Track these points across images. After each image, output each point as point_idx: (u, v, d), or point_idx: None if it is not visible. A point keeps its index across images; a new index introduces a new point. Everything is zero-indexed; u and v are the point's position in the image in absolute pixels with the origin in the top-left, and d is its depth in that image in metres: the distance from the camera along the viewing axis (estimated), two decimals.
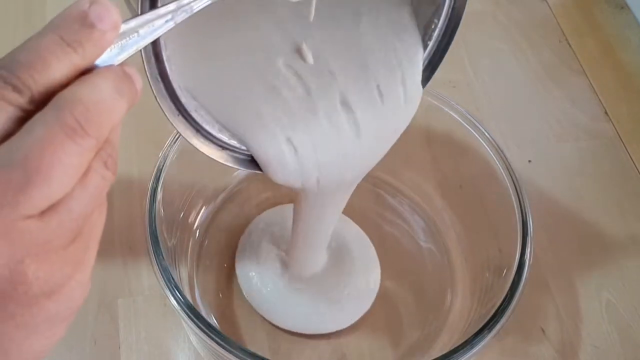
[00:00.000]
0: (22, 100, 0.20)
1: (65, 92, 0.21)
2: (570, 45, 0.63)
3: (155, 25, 0.24)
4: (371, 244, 0.50)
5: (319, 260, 0.47)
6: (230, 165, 0.32)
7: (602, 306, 0.47)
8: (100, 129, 0.21)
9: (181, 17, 0.25)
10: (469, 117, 0.45)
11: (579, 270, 0.49)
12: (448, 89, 0.58)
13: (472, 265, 0.47)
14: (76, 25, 0.22)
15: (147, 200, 0.40)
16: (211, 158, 0.31)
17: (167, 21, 0.25)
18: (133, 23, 0.24)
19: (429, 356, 0.42)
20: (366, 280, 0.48)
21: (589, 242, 0.51)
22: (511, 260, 0.40)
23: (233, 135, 0.32)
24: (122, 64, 0.23)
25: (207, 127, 0.31)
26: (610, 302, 0.48)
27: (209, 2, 0.25)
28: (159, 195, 0.40)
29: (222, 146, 0.32)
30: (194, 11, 0.25)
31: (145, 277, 0.46)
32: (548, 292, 0.48)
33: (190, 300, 0.37)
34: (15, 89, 0.20)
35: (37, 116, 0.20)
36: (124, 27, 0.23)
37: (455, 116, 0.46)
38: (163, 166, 0.41)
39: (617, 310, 0.47)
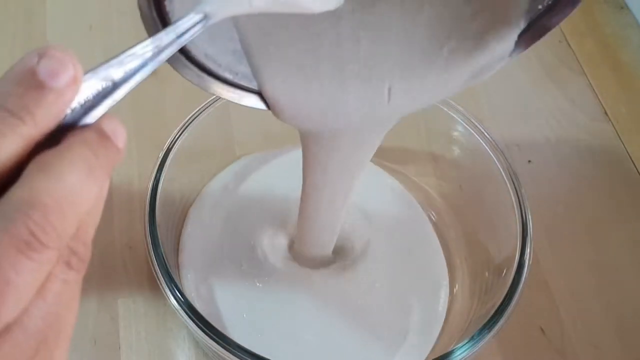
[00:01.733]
0: None
1: (18, 190, 0.17)
2: (570, 45, 0.63)
3: (133, 68, 0.20)
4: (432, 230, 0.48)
5: (327, 245, 0.43)
6: (244, 104, 0.32)
7: (602, 306, 0.47)
8: (63, 235, 0.18)
9: (167, 54, 0.21)
10: (469, 117, 0.45)
11: (579, 270, 0.49)
12: None
13: (472, 265, 0.46)
14: (21, 87, 0.17)
15: (147, 200, 0.40)
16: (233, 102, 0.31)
17: (149, 60, 0.20)
18: (103, 71, 0.19)
19: (429, 356, 0.42)
20: (432, 294, 0.45)
21: (589, 242, 0.51)
22: (511, 260, 0.40)
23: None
24: (99, 120, 0.20)
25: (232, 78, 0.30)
26: (610, 302, 0.48)
27: (200, 30, 0.22)
28: (159, 195, 0.40)
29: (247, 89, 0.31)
30: (182, 44, 0.21)
31: (145, 277, 0.46)
32: (548, 292, 0.48)
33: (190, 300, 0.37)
34: None
35: None
36: (90, 77, 0.19)
37: (455, 116, 0.46)
38: (163, 166, 0.41)
39: (617, 310, 0.47)
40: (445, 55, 0.31)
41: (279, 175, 0.50)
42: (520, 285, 0.38)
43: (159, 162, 0.41)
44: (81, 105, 0.19)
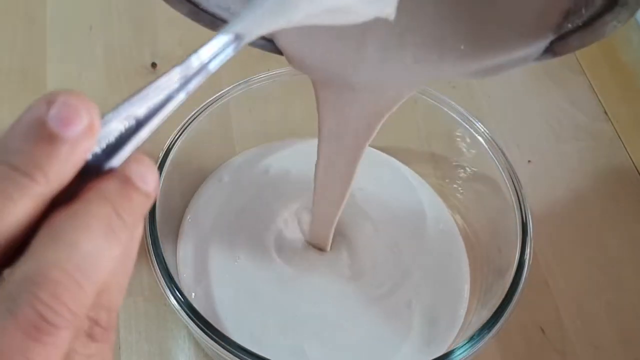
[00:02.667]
0: None
1: (24, 264, 0.15)
2: None
3: (158, 103, 0.18)
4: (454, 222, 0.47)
5: (330, 224, 0.42)
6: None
7: (602, 306, 0.47)
8: (78, 310, 0.16)
9: (195, 83, 0.19)
10: (469, 117, 0.45)
11: (579, 270, 0.49)
12: (448, 89, 0.58)
13: (472, 265, 0.46)
14: (30, 142, 0.15)
15: None
16: None
17: (175, 92, 0.19)
18: (125, 109, 0.17)
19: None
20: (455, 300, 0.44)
21: (589, 242, 0.51)
22: (511, 260, 0.40)
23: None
24: (124, 164, 0.18)
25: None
26: (610, 302, 0.48)
27: (231, 54, 0.20)
28: (159, 195, 0.40)
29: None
30: (212, 72, 0.19)
31: (145, 277, 0.46)
32: (548, 292, 0.48)
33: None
34: None
35: None
36: (111, 119, 0.17)
37: (455, 116, 0.46)
38: (163, 166, 0.41)
39: (617, 310, 0.47)
40: (464, 48, 0.30)
41: (276, 168, 0.50)
42: (520, 285, 0.38)
43: (158, 162, 0.41)
44: (103, 150, 0.17)
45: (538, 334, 0.46)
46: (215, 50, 0.19)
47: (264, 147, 0.51)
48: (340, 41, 0.30)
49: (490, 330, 0.36)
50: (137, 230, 0.18)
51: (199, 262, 0.44)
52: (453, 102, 0.46)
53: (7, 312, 0.15)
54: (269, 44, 0.31)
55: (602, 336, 0.46)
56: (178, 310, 0.36)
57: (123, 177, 0.17)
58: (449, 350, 0.36)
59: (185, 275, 0.44)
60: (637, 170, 0.55)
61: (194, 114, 0.44)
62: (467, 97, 0.58)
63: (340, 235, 0.46)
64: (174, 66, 0.19)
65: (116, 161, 0.17)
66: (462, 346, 0.36)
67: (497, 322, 0.36)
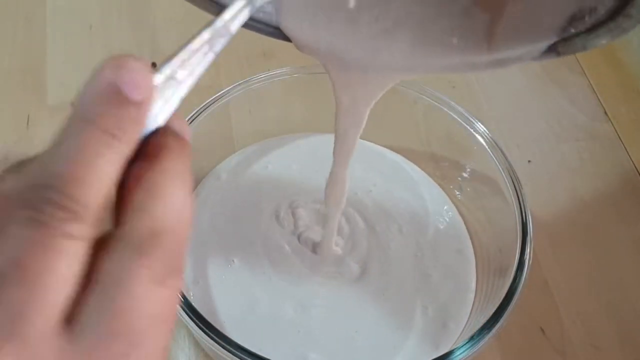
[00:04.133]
0: (85, 231, 0.16)
1: (139, 222, 0.17)
2: None
3: (192, 64, 0.20)
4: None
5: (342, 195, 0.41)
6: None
7: (602, 306, 0.47)
8: (181, 257, 0.18)
9: (220, 44, 0.21)
10: (469, 117, 0.45)
11: (578, 270, 0.49)
12: (448, 89, 0.58)
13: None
14: (113, 108, 0.17)
15: None
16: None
17: (205, 54, 0.21)
18: (168, 70, 0.20)
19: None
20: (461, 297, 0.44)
21: (589, 242, 0.51)
22: (511, 260, 0.40)
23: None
24: (168, 123, 0.19)
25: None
26: (610, 302, 0.48)
27: (247, 16, 0.23)
28: None
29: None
30: (233, 33, 0.22)
31: None
32: (548, 292, 0.48)
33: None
34: (74, 215, 0.15)
35: (102, 279, 0.16)
36: (158, 81, 0.19)
37: (455, 116, 0.46)
38: None
39: (617, 310, 0.47)
40: (461, 44, 0.30)
41: (275, 165, 0.50)
42: (520, 285, 0.38)
43: None
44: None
45: (538, 334, 0.46)
46: (234, 13, 0.22)
47: (263, 144, 0.51)
48: (347, 26, 0.31)
49: (490, 330, 0.36)
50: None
51: (196, 263, 0.44)
52: (453, 102, 0.46)
53: (139, 265, 0.17)
54: (277, 31, 0.32)
55: (602, 336, 0.46)
56: (178, 310, 0.36)
57: (174, 133, 0.19)
58: (449, 350, 0.36)
59: (183, 275, 0.43)
60: (637, 170, 0.55)
61: (194, 114, 0.43)
62: (467, 97, 0.58)
63: (362, 234, 0.46)
64: (202, 28, 0.21)
65: (161, 119, 0.19)
66: (462, 346, 0.36)
67: (497, 322, 0.36)
